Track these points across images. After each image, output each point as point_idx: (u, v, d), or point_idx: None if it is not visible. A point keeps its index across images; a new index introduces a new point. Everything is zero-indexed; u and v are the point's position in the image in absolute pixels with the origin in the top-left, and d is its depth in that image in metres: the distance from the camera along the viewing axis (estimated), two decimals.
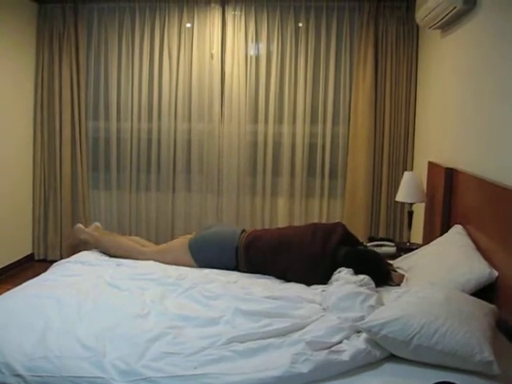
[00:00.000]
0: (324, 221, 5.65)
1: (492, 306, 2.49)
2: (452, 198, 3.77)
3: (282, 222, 5.65)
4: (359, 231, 5.41)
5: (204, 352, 2.19)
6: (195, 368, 2.08)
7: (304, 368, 2.06)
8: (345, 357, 2.13)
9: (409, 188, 4.35)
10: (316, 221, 5.63)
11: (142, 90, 5.67)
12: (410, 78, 5.39)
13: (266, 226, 5.72)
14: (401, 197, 4.42)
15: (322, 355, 2.12)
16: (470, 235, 3.24)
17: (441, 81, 4.43)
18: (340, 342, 2.26)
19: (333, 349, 2.19)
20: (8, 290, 2.89)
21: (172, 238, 5.72)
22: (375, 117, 5.48)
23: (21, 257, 5.65)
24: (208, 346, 2.25)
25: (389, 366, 2.17)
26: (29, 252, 5.83)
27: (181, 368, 2.07)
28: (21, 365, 2.09)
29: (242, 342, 2.28)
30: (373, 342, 2.23)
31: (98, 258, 3.56)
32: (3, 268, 5.28)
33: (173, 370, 2.06)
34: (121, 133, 5.77)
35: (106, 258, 3.65)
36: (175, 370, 2.06)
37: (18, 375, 2.06)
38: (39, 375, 2.06)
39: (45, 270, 3.38)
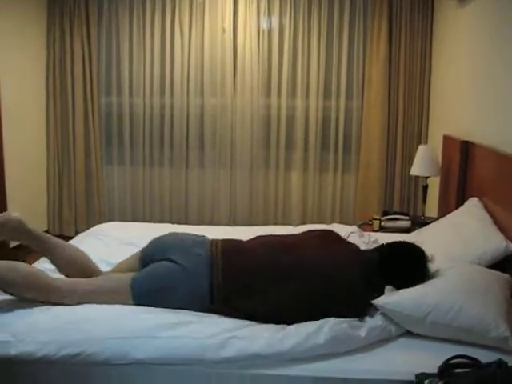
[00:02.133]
0: (338, 196, 5.63)
1: (506, 276, 2.48)
2: (468, 172, 3.74)
3: (295, 197, 5.64)
4: (373, 205, 5.41)
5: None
6: None
7: (321, 339, 2.06)
8: (361, 332, 2.13)
9: (424, 161, 4.31)
10: (330, 195, 5.62)
11: (153, 65, 5.63)
12: (425, 51, 5.31)
13: (280, 202, 5.72)
14: (416, 170, 4.39)
15: (339, 329, 2.12)
16: (486, 208, 3.21)
17: (457, 53, 4.36)
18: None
19: (350, 324, 2.18)
20: None
21: (186, 214, 5.76)
22: (389, 90, 5.42)
23: None
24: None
25: (404, 341, 2.17)
26: (44, 228, 5.87)
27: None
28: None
29: None
30: (389, 318, 2.22)
31: None
32: (20, 244, 5.32)
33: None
34: (133, 108, 5.75)
35: None
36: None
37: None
38: None
39: None
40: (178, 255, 2.45)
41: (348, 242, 2.77)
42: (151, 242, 2.67)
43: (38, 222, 5.75)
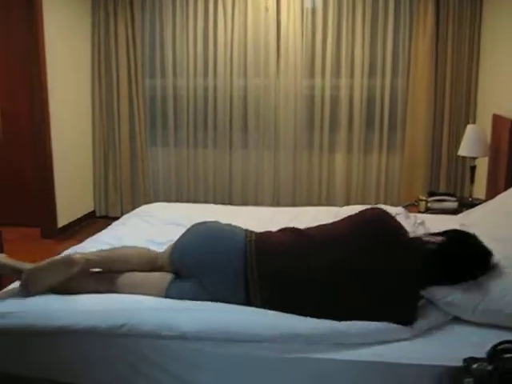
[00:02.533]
0: (383, 176, 5.57)
1: None
2: None
3: (339, 178, 5.60)
4: (418, 186, 5.32)
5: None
6: None
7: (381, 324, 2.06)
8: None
9: (472, 142, 4.22)
10: (374, 176, 5.55)
11: (197, 46, 5.63)
12: (474, 26, 5.14)
13: (324, 183, 5.68)
14: (463, 151, 4.30)
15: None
16: None
17: (509, 27, 4.22)
18: None
19: None
20: (73, 245, 2.96)
21: (230, 195, 5.79)
22: (436, 68, 5.29)
23: (83, 214, 5.81)
24: None
25: (451, 327, 2.14)
26: (91, 209, 5.99)
27: None
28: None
29: None
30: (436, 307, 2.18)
31: None
32: (67, 225, 5.45)
33: None
34: (177, 90, 5.77)
35: None
36: None
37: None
38: None
39: (106, 226, 3.46)
40: (209, 278, 2.28)
41: (398, 230, 2.38)
42: (183, 253, 2.40)
43: (84, 204, 5.87)
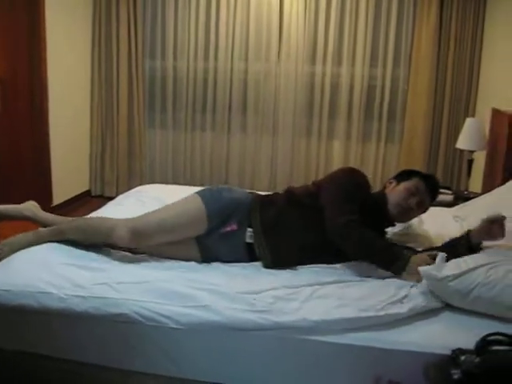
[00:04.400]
0: (380, 166, 5.59)
1: None
2: None
3: (336, 165, 5.57)
4: None
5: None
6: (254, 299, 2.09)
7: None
8: (403, 309, 2.10)
9: (470, 135, 4.22)
10: (372, 165, 5.56)
11: (198, 28, 5.59)
12: (477, 18, 5.13)
13: (321, 170, 5.68)
14: (461, 144, 4.30)
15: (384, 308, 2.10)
16: None
17: (510, 23, 4.21)
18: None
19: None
20: None
21: (226, 178, 5.78)
22: (438, 60, 5.28)
23: (78, 193, 5.79)
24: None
25: (444, 315, 2.14)
26: (86, 188, 5.97)
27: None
28: None
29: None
30: (429, 295, 2.18)
31: None
32: (62, 203, 5.43)
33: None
34: (177, 72, 5.74)
35: None
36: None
37: None
38: None
39: (101, 205, 3.45)
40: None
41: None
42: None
43: (79, 182, 5.85)
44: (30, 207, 2.93)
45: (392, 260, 2.33)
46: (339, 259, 2.49)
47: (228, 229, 2.53)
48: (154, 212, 2.61)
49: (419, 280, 2.21)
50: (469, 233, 2.50)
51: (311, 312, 2.05)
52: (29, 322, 2.15)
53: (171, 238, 2.53)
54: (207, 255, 2.55)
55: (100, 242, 2.54)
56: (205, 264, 2.51)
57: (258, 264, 2.51)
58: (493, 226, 2.41)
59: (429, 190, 2.63)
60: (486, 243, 2.51)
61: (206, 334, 2.03)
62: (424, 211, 2.70)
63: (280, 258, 2.47)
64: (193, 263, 2.50)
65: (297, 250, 2.51)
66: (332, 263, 2.49)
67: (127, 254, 2.55)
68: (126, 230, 2.44)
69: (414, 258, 2.31)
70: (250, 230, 2.53)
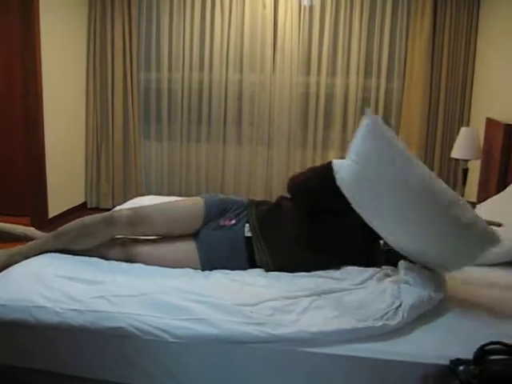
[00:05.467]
0: None
1: None
2: (510, 156, 3.64)
3: None
4: None
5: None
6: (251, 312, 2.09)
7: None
8: (399, 318, 2.09)
9: (465, 144, 4.24)
10: None
11: (193, 40, 5.61)
12: (471, 29, 5.16)
13: None
14: (456, 153, 4.31)
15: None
16: None
17: (504, 32, 4.23)
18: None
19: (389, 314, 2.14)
20: None
21: (222, 190, 5.78)
22: (432, 70, 5.30)
23: (74, 205, 5.78)
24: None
25: (439, 325, 2.14)
26: (82, 201, 5.96)
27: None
28: None
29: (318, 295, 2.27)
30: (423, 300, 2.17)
31: None
32: (58, 216, 5.42)
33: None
34: (172, 83, 5.76)
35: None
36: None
37: None
38: None
39: None
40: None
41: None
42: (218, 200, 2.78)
43: (75, 195, 5.84)
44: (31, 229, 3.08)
45: None
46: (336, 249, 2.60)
47: (227, 222, 2.62)
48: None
49: None
50: None
51: (308, 323, 2.04)
52: (24, 337, 2.13)
53: (169, 223, 2.62)
54: (207, 256, 2.56)
55: (94, 241, 2.64)
56: (201, 272, 2.51)
57: (255, 271, 2.53)
58: None
59: None
60: None
61: (203, 347, 2.02)
62: None
63: (278, 250, 2.56)
64: (190, 271, 2.50)
65: (295, 243, 2.57)
66: (328, 251, 2.59)
67: (122, 264, 2.54)
68: (126, 209, 2.68)
69: None
70: (247, 225, 2.61)
